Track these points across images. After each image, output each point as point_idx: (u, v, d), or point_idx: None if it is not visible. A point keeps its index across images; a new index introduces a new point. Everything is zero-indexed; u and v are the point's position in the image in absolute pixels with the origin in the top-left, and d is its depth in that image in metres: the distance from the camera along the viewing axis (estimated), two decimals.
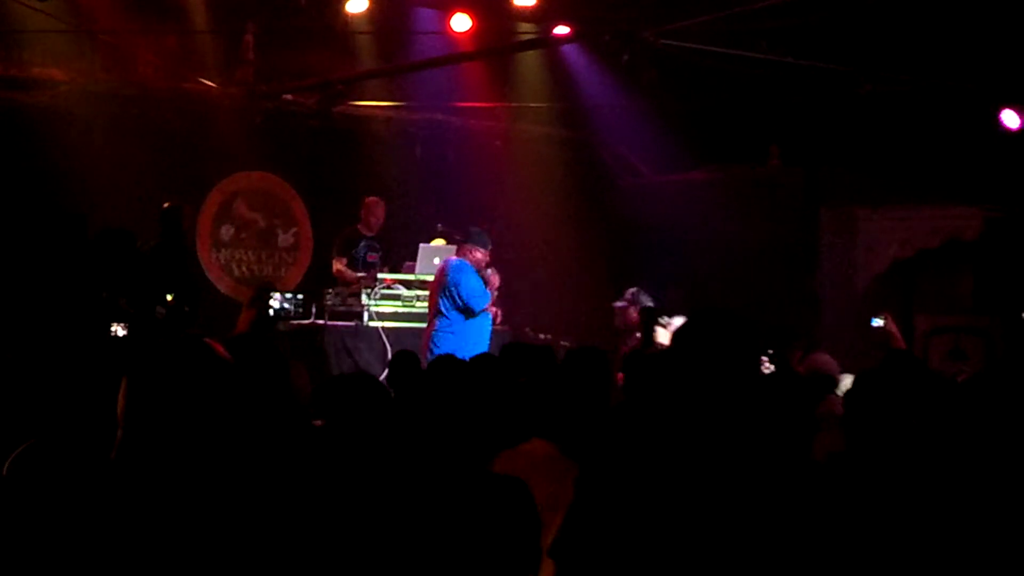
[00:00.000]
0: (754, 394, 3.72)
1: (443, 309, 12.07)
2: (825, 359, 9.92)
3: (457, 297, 12.00)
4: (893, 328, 11.02)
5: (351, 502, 4.12)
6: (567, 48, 14.81)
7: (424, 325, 12.74)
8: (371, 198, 13.91)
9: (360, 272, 13.41)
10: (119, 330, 10.97)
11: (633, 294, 12.76)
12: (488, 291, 12.16)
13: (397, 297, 13.23)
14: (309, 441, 4.69)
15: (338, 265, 13.65)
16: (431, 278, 13.36)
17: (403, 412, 4.45)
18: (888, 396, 4.23)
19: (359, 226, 13.83)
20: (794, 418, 4.98)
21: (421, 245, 13.56)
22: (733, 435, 3.50)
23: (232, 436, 3.42)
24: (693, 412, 3.49)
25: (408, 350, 6.99)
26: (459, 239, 12.52)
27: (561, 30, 13.87)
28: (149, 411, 3.33)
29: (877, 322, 11.05)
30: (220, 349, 3.51)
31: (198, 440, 3.33)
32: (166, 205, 12.27)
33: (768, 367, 9.72)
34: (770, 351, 10.08)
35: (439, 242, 13.84)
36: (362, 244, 13.70)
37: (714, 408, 3.52)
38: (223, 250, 15.01)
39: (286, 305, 11.04)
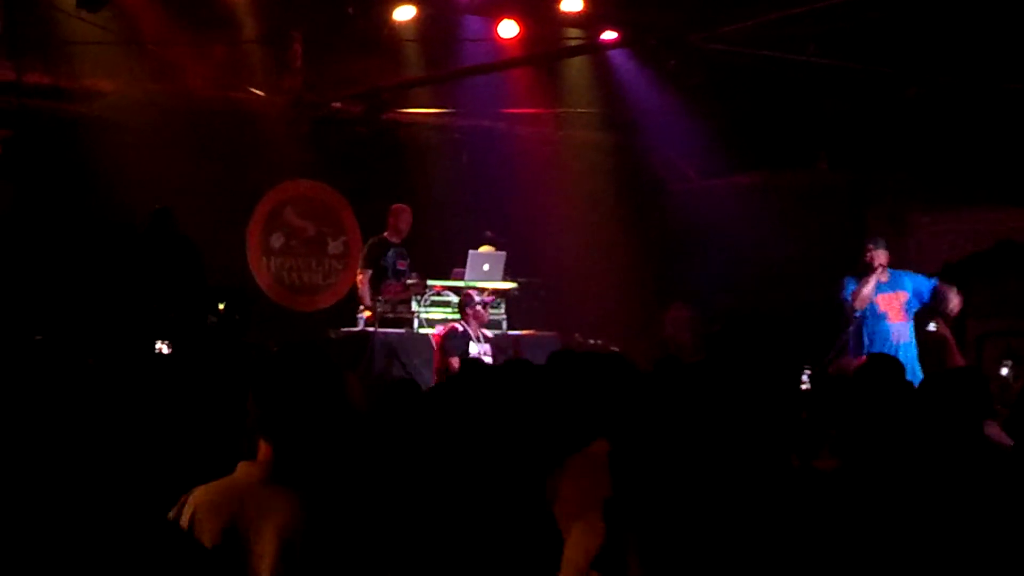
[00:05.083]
0: (785, 401, 3.72)
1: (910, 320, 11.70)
2: (854, 365, 9.82)
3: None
4: (947, 332, 10.93)
5: (401, 504, 4.15)
6: (614, 53, 14.76)
7: None
8: (397, 204, 13.68)
9: (390, 280, 13.31)
10: (163, 348, 10.96)
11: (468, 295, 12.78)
12: None
13: (447, 304, 13.21)
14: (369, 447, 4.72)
15: (361, 277, 13.50)
16: (480, 284, 13.36)
17: (471, 421, 4.45)
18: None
19: (386, 234, 13.65)
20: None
21: (470, 252, 13.52)
22: (757, 440, 3.48)
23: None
24: (722, 416, 3.47)
25: (476, 358, 6.88)
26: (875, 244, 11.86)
27: (608, 35, 13.86)
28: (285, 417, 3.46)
29: (931, 327, 10.97)
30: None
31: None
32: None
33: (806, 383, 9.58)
34: (808, 368, 9.98)
35: (487, 248, 13.83)
36: (391, 252, 13.50)
37: (742, 413, 3.50)
38: (273, 258, 15.06)
39: None
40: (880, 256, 11.58)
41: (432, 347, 12.60)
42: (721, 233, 15.44)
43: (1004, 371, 10.50)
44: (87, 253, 12.51)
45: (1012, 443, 5.93)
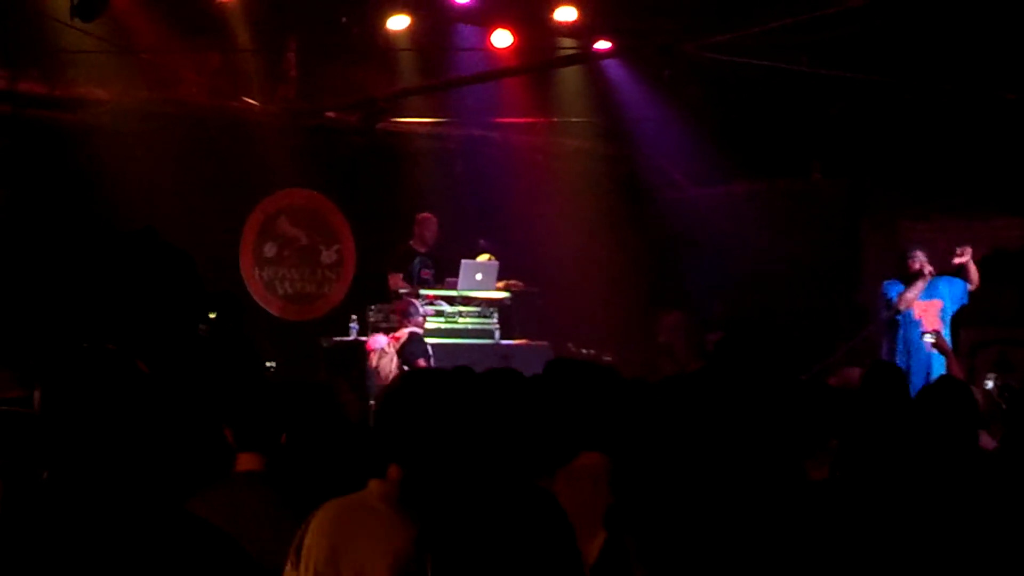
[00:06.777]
0: (785, 406, 3.72)
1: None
2: (857, 374, 9.82)
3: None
4: (944, 344, 10.93)
5: None
6: (608, 63, 14.80)
7: (468, 341, 12.80)
8: (423, 214, 13.85)
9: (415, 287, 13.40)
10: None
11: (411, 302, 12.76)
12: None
13: (440, 313, 13.23)
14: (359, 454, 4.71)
15: (396, 280, 13.58)
16: (474, 294, 13.37)
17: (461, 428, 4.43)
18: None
19: (412, 242, 13.78)
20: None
21: (463, 261, 13.54)
22: (758, 444, 3.49)
23: None
24: (725, 424, 3.48)
25: (466, 366, 6.87)
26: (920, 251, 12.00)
27: (602, 45, 13.88)
28: None
29: (928, 338, 10.98)
30: None
31: None
32: None
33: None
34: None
35: (482, 257, 13.84)
36: (417, 260, 13.65)
37: (744, 418, 3.52)
38: (267, 268, 15.03)
39: None
40: (927, 263, 11.71)
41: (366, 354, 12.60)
42: (715, 241, 15.45)
43: (989, 384, 10.50)
44: (81, 260, 12.45)
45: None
